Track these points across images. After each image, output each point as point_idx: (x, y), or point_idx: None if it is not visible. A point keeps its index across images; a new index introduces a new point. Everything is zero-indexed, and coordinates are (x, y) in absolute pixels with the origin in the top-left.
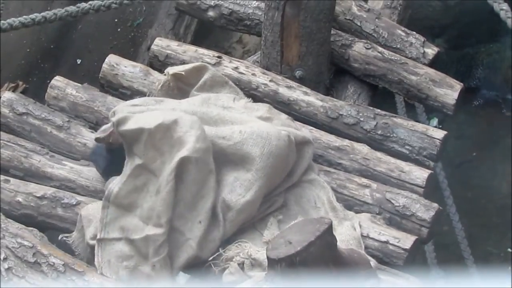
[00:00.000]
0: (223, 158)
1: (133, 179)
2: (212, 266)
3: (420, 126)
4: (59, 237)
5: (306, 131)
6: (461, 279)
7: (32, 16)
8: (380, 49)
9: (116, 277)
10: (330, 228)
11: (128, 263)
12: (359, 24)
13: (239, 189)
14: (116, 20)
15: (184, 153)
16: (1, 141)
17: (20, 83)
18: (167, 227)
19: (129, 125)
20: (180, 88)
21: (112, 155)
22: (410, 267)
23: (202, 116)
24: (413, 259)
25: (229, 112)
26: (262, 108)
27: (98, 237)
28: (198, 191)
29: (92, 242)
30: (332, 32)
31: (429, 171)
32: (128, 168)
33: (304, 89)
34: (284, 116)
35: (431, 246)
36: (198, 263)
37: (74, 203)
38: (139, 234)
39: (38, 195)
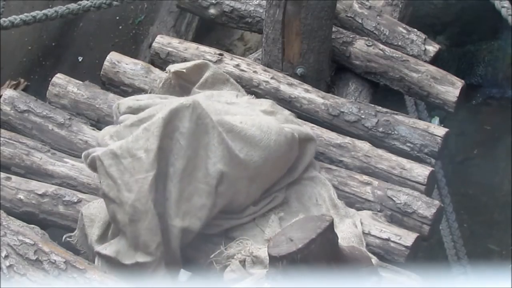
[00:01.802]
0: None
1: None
2: (214, 263)
3: (421, 124)
4: (63, 238)
5: (307, 128)
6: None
7: (34, 13)
8: (382, 46)
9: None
10: (331, 226)
11: None
12: (360, 21)
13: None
14: (117, 17)
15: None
16: (3, 139)
17: (22, 80)
18: (157, 254)
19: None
20: (181, 85)
21: None
22: (412, 264)
23: (207, 107)
24: (415, 256)
25: (233, 107)
26: (265, 103)
27: (95, 249)
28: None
29: (96, 246)
30: (333, 29)
31: (431, 169)
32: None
33: (306, 86)
34: (287, 112)
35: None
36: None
37: (76, 200)
38: (130, 259)
39: (39, 193)
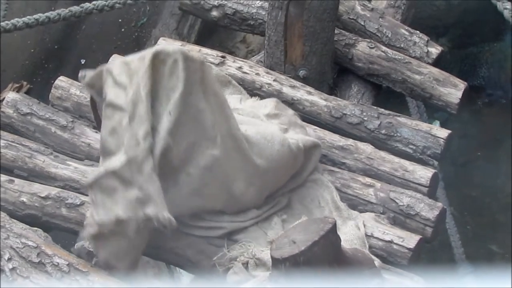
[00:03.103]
0: None
1: (108, 121)
2: (217, 266)
3: (424, 126)
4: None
5: (310, 131)
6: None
7: (36, 16)
8: (384, 48)
9: (107, 216)
10: (334, 228)
11: (114, 195)
12: (362, 23)
13: None
14: (120, 20)
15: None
16: (6, 142)
17: (24, 83)
18: (146, 141)
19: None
20: None
21: None
22: (415, 266)
23: None
24: (418, 259)
25: (237, 115)
26: (270, 104)
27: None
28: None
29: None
30: (336, 31)
31: (433, 171)
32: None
33: (308, 88)
34: (290, 111)
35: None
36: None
37: (79, 203)
38: (119, 161)
39: (42, 195)
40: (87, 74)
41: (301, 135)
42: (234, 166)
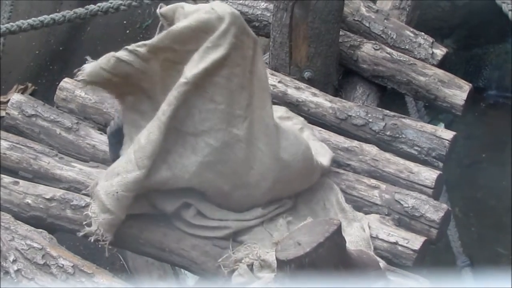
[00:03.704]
0: None
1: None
2: (222, 267)
3: (429, 127)
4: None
5: (315, 133)
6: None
7: (41, 18)
8: (389, 50)
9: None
10: (339, 229)
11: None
12: (367, 25)
13: None
14: (124, 22)
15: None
16: (11, 143)
17: (29, 85)
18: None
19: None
20: None
21: None
22: (420, 268)
23: None
24: (423, 260)
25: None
26: (280, 110)
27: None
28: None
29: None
30: (341, 33)
31: (438, 172)
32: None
33: (313, 90)
34: (301, 118)
35: (455, 234)
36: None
37: (83, 204)
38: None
39: (47, 197)
40: (162, 5)
41: (323, 157)
42: (256, 154)
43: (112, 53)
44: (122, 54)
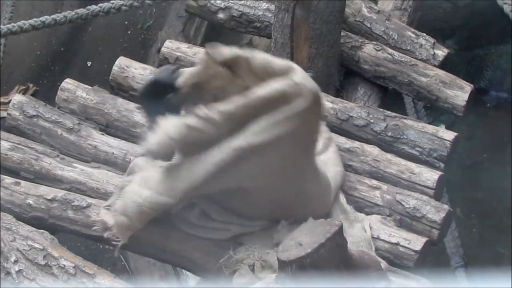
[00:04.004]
0: None
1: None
2: (223, 268)
3: (430, 128)
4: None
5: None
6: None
7: (42, 18)
8: (390, 50)
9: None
10: (340, 230)
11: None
12: (369, 25)
13: None
14: (126, 22)
15: None
16: (12, 144)
17: (31, 85)
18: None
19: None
20: None
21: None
22: (421, 268)
23: None
24: (424, 261)
25: None
26: None
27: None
28: None
29: None
30: (342, 34)
31: (440, 173)
32: None
33: None
34: (325, 129)
35: (449, 235)
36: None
37: (85, 205)
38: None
39: (48, 198)
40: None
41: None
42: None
43: (183, 120)
44: (193, 122)
